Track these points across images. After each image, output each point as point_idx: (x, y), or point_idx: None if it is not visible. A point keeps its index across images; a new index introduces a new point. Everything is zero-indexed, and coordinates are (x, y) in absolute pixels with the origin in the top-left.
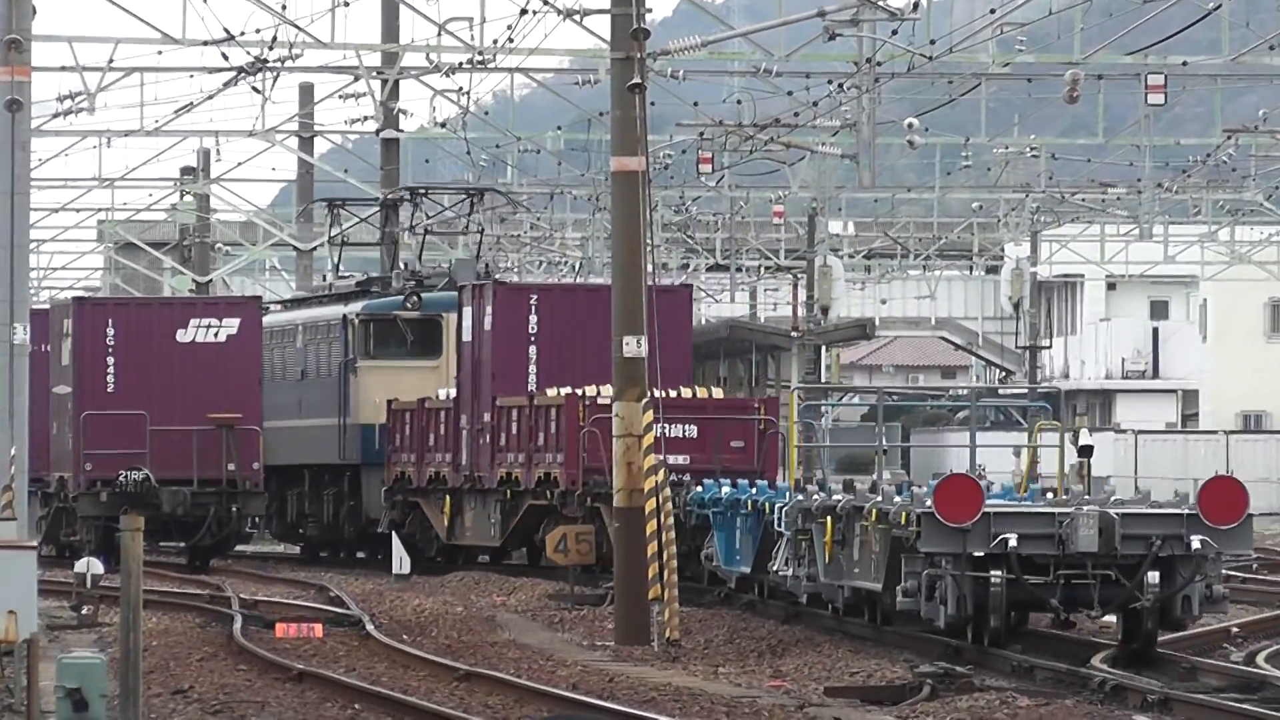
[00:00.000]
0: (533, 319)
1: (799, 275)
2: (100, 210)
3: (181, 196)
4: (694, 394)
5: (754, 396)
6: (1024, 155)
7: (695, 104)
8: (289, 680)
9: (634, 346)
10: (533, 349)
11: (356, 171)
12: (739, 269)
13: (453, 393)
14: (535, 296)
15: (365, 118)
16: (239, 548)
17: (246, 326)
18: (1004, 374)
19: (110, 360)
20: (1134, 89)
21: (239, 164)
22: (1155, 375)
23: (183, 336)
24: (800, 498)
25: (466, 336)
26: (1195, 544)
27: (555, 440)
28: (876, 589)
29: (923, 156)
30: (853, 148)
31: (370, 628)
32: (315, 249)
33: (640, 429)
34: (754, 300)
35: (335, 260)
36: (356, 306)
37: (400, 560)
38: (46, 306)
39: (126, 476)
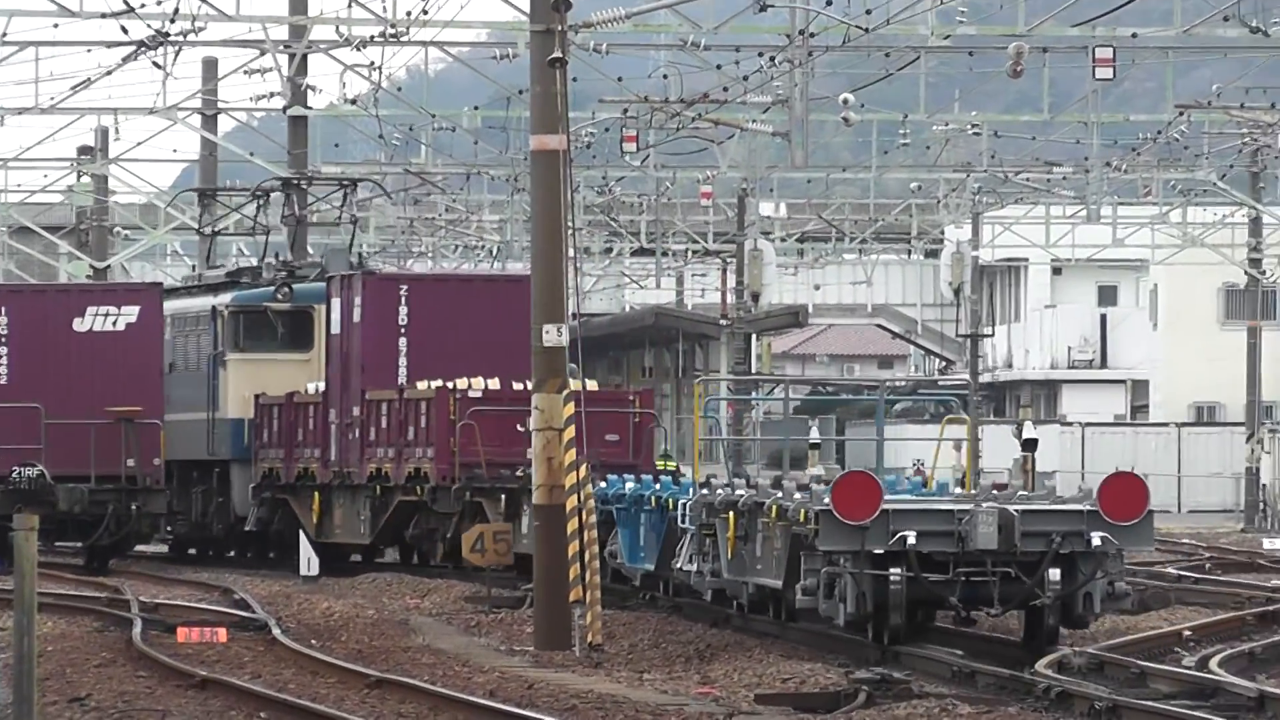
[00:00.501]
0: (403, 310)
1: (728, 260)
2: None
3: (79, 177)
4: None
5: (629, 388)
6: (965, 133)
7: (619, 79)
8: (191, 687)
9: (554, 335)
10: (403, 341)
11: (263, 151)
12: (665, 253)
13: (322, 386)
14: (405, 287)
15: (272, 94)
16: (138, 548)
17: (147, 314)
18: (944, 363)
19: (3, 350)
20: (1081, 63)
21: (139, 143)
22: (1104, 365)
23: (80, 325)
24: (704, 493)
25: (335, 329)
26: (1096, 541)
27: (425, 434)
28: (777, 586)
29: (858, 134)
30: (785, 125)
31: (277, 632)
32: (218, 234)
33: (561, 422)
34: (681, 286)
35: (205, 251)
36: (226, 298)
37: (308, 561)
38: None
39: (20, 473)
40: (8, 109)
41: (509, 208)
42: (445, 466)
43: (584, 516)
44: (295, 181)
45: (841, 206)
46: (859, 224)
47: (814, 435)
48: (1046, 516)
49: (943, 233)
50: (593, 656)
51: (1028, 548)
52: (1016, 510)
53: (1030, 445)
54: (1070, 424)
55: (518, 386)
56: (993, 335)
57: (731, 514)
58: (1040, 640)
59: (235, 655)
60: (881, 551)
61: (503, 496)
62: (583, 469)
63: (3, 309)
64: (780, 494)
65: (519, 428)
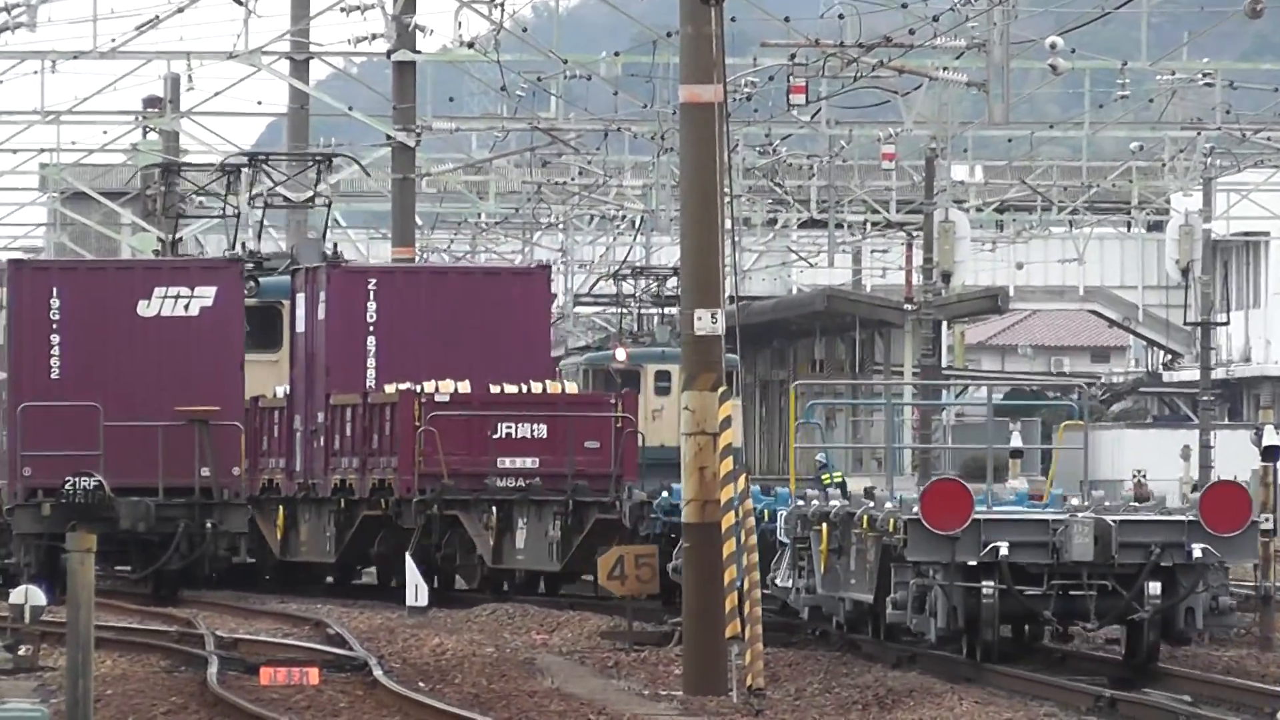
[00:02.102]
0: (372, 306)
1: (914, 233)
2: (43, 151)
3: (144, 134)
4: (544, 389)
5: (606, 393)
6: (1195, 83)
7: (786, 19)
8: None
9: (707, 322)
10: (372, 340)
11: (363, 104)
12: (839, 225)
13: (288, 389)
14: (374, 281)
15: (374, 36)
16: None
17: (225, 297)
18: (1169, 357)
19: (55, 339)
20: None
21: (216, 94)
22: None
23: (145, 309)
24: (800, 503)
25: (300, 326)
26: (1196, 553)
27: (390, 442)
28: (869, 600)
29: (1068, 85)
30: (982, 74)
31: (379, 673)
32: (312, 199)
33: (716, 425)
34: (858, 265)
35: (170, 236)
36: None
37: (416, 589)
38: None
39: (75, 484)
40: (61, 53)
41: (654, 171)
42: (409, 477)
43: (744, 537)
44: (263, 158)
45: (1048, 170)
46: (1069, 191)
47: (1015, 441)
48: (1145, 527)
49: (1168, 202)
50: (753, 703)
51: (1125, 559)
52: (1114, 520)
53: (1272, 454)
54: None
55: (494, 389)
56: (1228, 323)
57: (825, 525)
58: (1141, 658)
59: (329, 700)
60: (973, 563)
61: (493, 509)
62: (741, 480)
63: (54, 290)
64: (872, 503)
65: (492, 434)
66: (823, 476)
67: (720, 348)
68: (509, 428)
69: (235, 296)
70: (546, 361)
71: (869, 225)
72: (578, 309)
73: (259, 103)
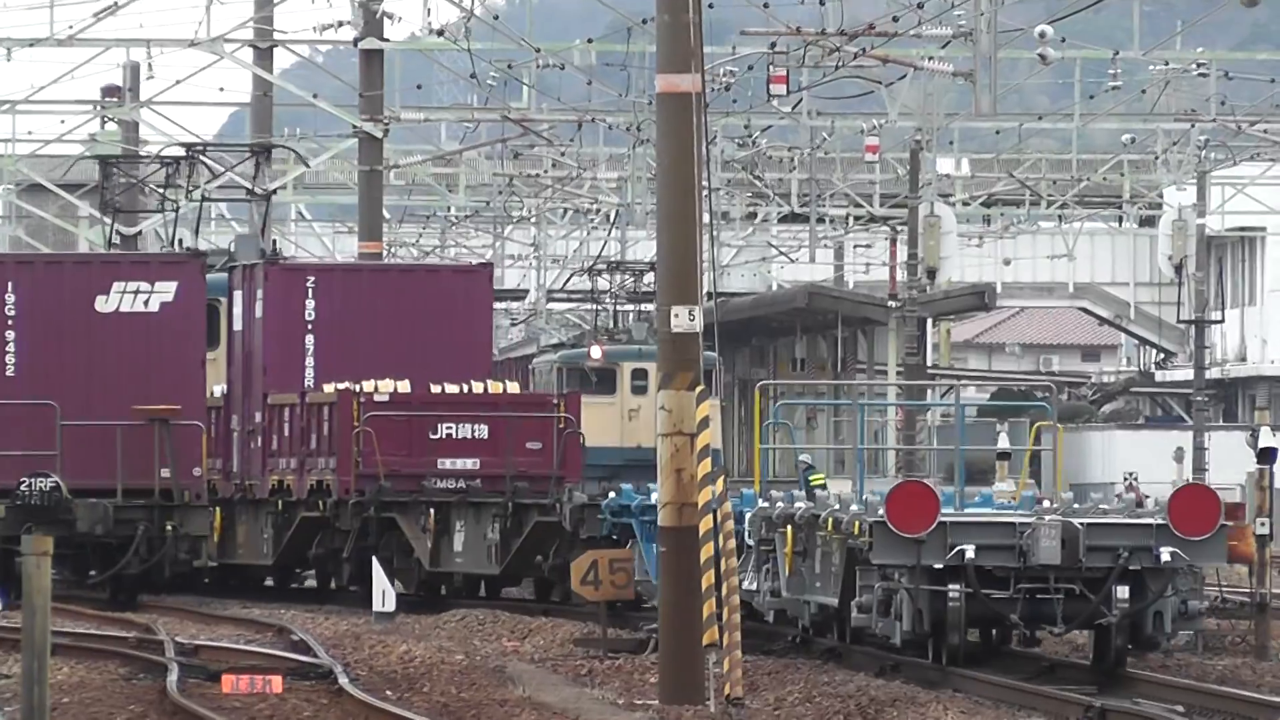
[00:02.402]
0: (310, 304)
1: (898, 228)
2: None
3: (103, 124)
4: (485, 389)
5: (545, 397)
6: (1189, 74)
7: (766, 5)
8: None
9: (685, 319)
10: (310, 339)
11: (329, 93)
12: (821, 220)
13: (225, 389)
14: (313, 278)
15: (340, 23)
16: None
17: (186, 292)
18: (1162, 356)
19: (10, 335)
20: None
21: (177, 82)
22: None
23: (104, 305)
24: (764, 505)
25: (238, 325)
26: (1165, 556)
27: (328, 443)
28: (833, 604)
29: (1058, 75)
30: (968, 64)
31: (344, 681)
32: (275, 192)
33: (693, 425)
34: (840, 260)
35: (107, 235)
36: None
37: (382, 594)
38: None
39: (31, 485)
40: (17, 40)
41: (630, 163)
42: (347, 479)
43: (721, 541)
44: (199, 149)
45: (1037, 163)
46: (1058, 185)
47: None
48: (1113, 530)
49: (1161, 196)
50: (731, 713)
51: (1093, 563)
52: (1081, 524)
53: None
54: None
55: (435, 389)
56: (1222, 321)
57: (790, 528)
58: (1109, 663)
59: (293, 709)
60: (939, 567)
61: (430, 511)
62: (719, 482)
63: (9, 285)
64: (837, 505)
65: (431, 434)
66: (811, 479)
67: (698, 346)
68: (449, 428)
69: (197, 292)
70: (488, 361)
71: (852, 220)
72: (550, 305)
73: (221, 91)
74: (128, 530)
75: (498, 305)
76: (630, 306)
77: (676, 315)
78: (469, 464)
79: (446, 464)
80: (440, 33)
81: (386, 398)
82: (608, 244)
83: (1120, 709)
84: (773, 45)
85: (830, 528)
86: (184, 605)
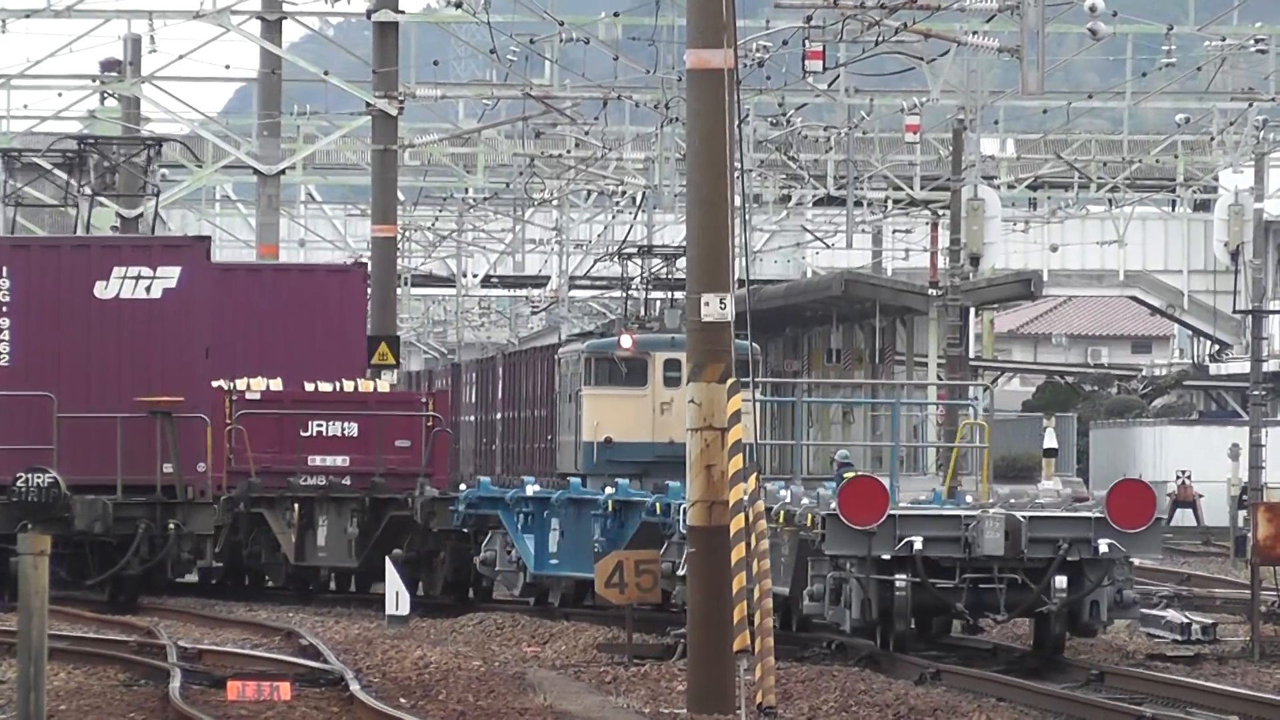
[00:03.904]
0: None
1: (939, 213)
2: None
3: (102, 100)
4: (356, 387)
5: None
6: (1246, 50)
7: None
8: None
9: (715, 308)
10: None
11: (341, 68)
12: (858, 203)
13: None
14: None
15: None
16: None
17: (191, 277)
18: (1216, 347)
19: (4, 323)
20: None
21: (180, 57)
22: None
23: (103, 291)
24: None
25: None
26: (1103, 548)
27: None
28: (784, 593)
29: (1108, 51)
30: (1015, 39)
31: (355, 688)
32: (284, 172)
33: (725, 419)
34: (878, 246)
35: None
36: None
37: (397, 596)
38: None
39: (27, 481)
40: (12, 11)
41: (657, 143)
42: (220, 474)
43: (754, 542)
44: (92, 142)
45: (1086, 144)
46: (1108, 167)
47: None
48: (1054, 523)
49: (1216, 179)
50: None
51: (1035, 554)
52: (1024, 517)
53: None
54: None
55: (309, 387)
56: None
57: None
58: (1048, 649)
59: (301, 717)
60: (888, 557)
61: (295, 507)
62: (751, 480)
63: (3, 269)
64: (788, 499)
65: (302, 432)
66: (845, 475)
67: (729, 335)
68: (319, 426)
69: (201, 277)
70: (361, 360)
71: (891, 203)
72: (573, 293)
73: (227, 67)
74: (128, 529)
75: (518, 292)
76: (662, 294)
77: (707, 303)
78: (339, 461)
79: (316, 461)
80: (458, 4)
81: (258, 396)
82: (634, 228)
83: (1172, 718)
84: (809, 19)
85: (782, 520)
86: (187, 607)
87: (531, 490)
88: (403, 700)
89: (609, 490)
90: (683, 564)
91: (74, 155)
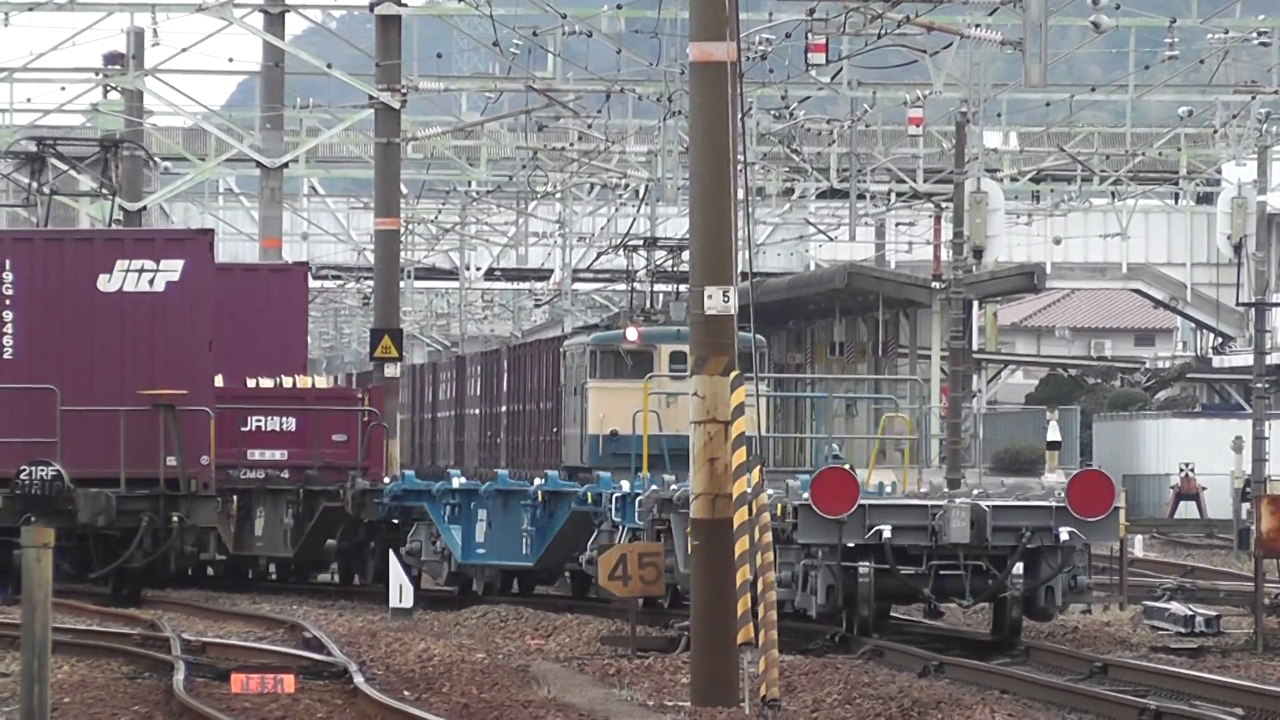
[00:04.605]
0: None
1: (942, 205)
2: None
3: (105, 93)
4: (294, 383)
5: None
6: (1250, 43)
7: None
8: None
9: (719, 300)
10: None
11: (343, 61)
12: (861, 196)
13: None
14: None
15: None
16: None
17: (194, 271)
18: (1220, 340)
19: (7, 316)
20: None
21: (183, 50)
22: None
23: (106, 284)
24: (655, 488)
25: None
26: (1064, 535)
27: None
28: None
29: (1111, 44)
30: (1017, 32)
31: (359, 680)
32: (287, 165)
33: (728, 412)
34: (881, 239)
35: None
36: None
37: (400, 590)
38: None
39: (30, 474)
40: (15, 4)
41: (660, 136)
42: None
43: (758, 535)
44: (49, 144)
45: (1089, 137)
46: (1111, 160)
47: (1052, 432)
48: (1017, 512)
49: (1219, 172)
50: (767, 715)
51: (998, 542)
52: (988, 506)
53: None
54: None
55: (251, 383)
56: None
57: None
58: (1005, 632)
59: (306, 710)
60: (853, 545)
61: (234, 498)
62: (755, 472)
63: (7, 262)
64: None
65: (242, 427)
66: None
67: (733, 328)
68: (259, 421)
69: (205, 270)
70: (303, 356)
71: (894, 196)
72: (576, 286)
73: (230, 60)
74: (131, 521)
75: (521, 285)
76: (667, 286)
77: (710, 296)
78: (278, 455)
79: (256, 455)
80: None
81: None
82: (637, 221)
83: (1177, 711)
84: (811, 12)
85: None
86: (191, 600)
87: (458, 483)
88: (406, 693)
89: (538, 481)
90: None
91: (33, 156)
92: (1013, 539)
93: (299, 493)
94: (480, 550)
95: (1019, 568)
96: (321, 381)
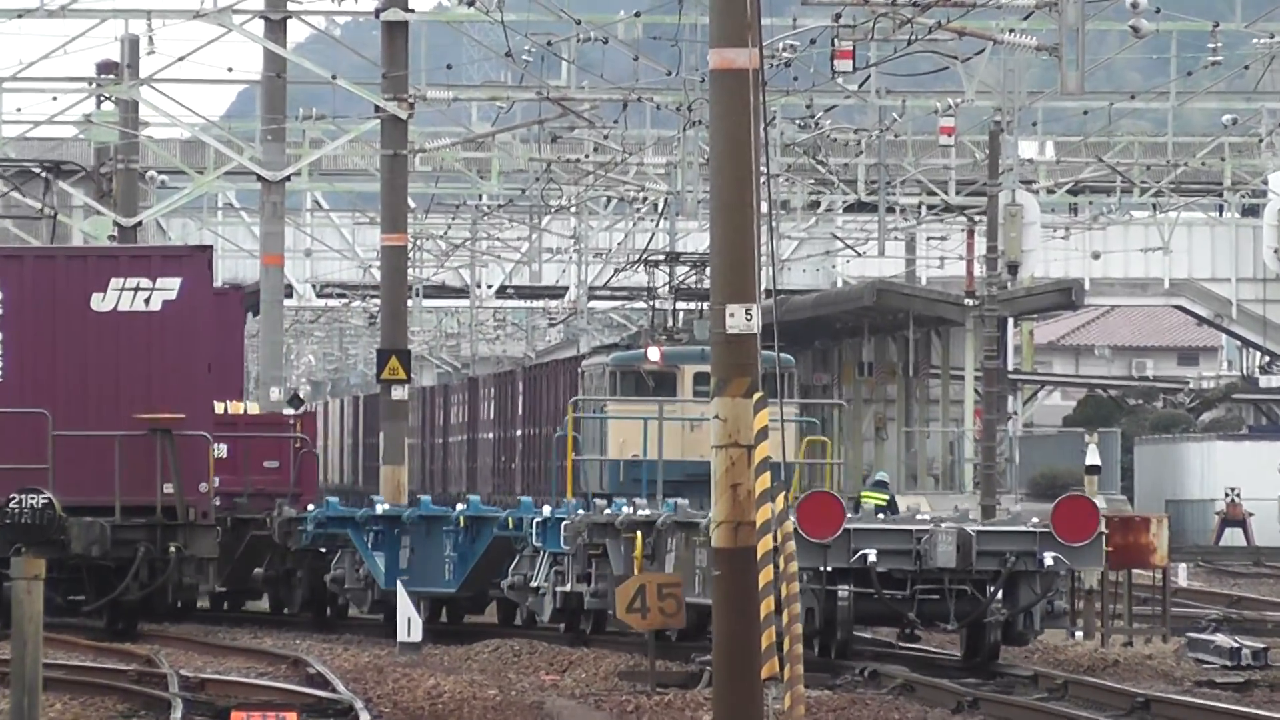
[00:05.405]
0: None
1: (976, 219)
2: None
3: (99, 103)
4: (226, 410)
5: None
6: None
7: None
8: None
9: (742, 319)
10: None
11: (348, 70)
12: (891, 209)
13: None
14: None
15: None
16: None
17: (192, 289)
18: (1266, 359)
19: None
20: None
21: (180, 58)
22: None
23: (100, 303)
24: (584, 513)
25: None
26: (1049, 560)
27: None
28: (708, 604)
29: (1151, 49)
30: (1054, 37)
31: (365, 718)
32: (289, 178)
33: (751, 436)
34: (912, 254)
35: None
36: None
37: (408, 623)
38: None
39: (21, 502)
40: (4, 11)
41: (679, 147)
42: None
43: (783, 564)
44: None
45: (1129, 147)
46: (1152, 171)
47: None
48: (1002, 537)
49: (1265, 182)
50: None
51: (983, 566)
52: (974, 530)
53: None
54: None
55: None
56: None
57: (639, 533)
58: (983, 656)
59: None
60: (832, 569)
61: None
62: (779, 499)
63: None
64: (706, 515)
65: None
66: (863, 494)
67: (756, 348)
68: None
69: (202, 289)
70: (238, 383)
71: (924, 209)
72: (592, 304)
73: (229, 69)
74: (127, 552)
75: (534, 303)
76: (686, 305)
77: (732, 315)
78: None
79: None
80: (471, 3)
81: None
82: (655, 236)
83: None
84: (838, 17)
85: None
86: (189, 634)
87: (381, 509)
88: None
89: (460, 507)
90: (536, 575)
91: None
92: (997, 564)
93: (226, 520)
94: (405, 577)
95: (1007, 592)
96: (254, 408)
